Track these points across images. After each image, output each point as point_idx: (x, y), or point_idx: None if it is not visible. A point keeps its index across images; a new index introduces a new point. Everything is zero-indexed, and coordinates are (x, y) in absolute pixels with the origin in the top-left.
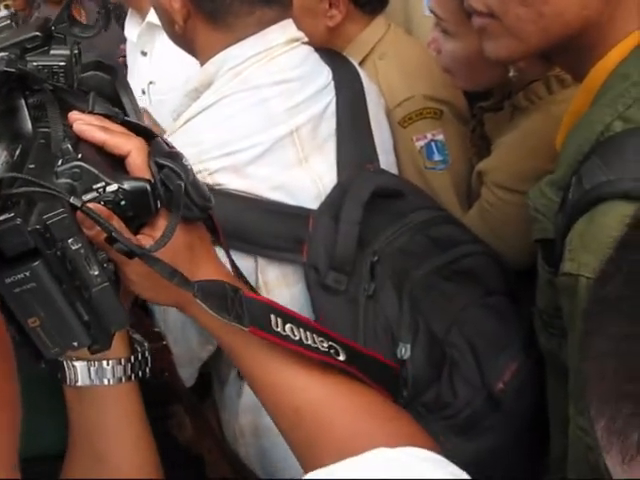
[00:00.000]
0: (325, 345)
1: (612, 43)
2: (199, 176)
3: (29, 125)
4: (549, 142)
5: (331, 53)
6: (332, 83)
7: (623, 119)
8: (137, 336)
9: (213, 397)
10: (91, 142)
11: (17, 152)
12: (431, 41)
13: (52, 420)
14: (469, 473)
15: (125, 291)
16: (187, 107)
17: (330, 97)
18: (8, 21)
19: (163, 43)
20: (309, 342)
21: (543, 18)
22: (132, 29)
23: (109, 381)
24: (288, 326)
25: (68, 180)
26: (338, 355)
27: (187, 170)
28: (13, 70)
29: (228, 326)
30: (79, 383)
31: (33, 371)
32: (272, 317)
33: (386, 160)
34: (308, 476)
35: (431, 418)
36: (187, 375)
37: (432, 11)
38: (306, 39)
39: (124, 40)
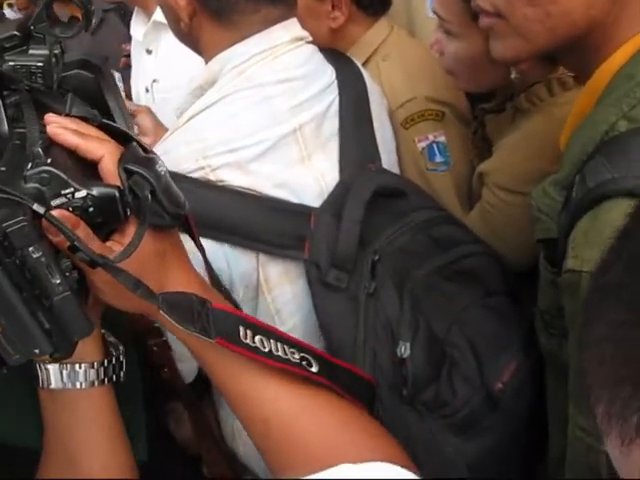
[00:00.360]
0: (297, 356)
1: (617, 44)
2: (202, 172)
3: (5, 125)
4: (550, 144)
5: (335, 53)
6: (335, 82)
7: (628, 119)
8: (112, 339)
9: (211, 395)
10: (64, 146)
11: None
12: (434, 42)
13: (35, 415)
14: (468, 473)
15: (95, 298)
16: (191, 105)
17: (333, 96)
18: None
19: (168, 41)
20: (279, 353)
21: (550, 18)
22: (138, 28)
23: (81, 385)
24: (258, 337)
25: (36, 185)
26: (310, 366)
27: (159, 177)
28: None
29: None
30: (52, 386)
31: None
32: (241, 329)
33: (388, 160)
34: None
35: (430, 417)
36: (187, 371)
37: (435, 12)
38: (310, 38)
39: (128, 39)
